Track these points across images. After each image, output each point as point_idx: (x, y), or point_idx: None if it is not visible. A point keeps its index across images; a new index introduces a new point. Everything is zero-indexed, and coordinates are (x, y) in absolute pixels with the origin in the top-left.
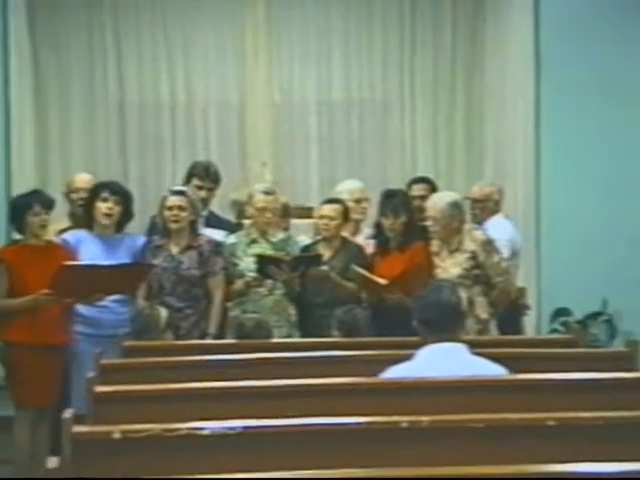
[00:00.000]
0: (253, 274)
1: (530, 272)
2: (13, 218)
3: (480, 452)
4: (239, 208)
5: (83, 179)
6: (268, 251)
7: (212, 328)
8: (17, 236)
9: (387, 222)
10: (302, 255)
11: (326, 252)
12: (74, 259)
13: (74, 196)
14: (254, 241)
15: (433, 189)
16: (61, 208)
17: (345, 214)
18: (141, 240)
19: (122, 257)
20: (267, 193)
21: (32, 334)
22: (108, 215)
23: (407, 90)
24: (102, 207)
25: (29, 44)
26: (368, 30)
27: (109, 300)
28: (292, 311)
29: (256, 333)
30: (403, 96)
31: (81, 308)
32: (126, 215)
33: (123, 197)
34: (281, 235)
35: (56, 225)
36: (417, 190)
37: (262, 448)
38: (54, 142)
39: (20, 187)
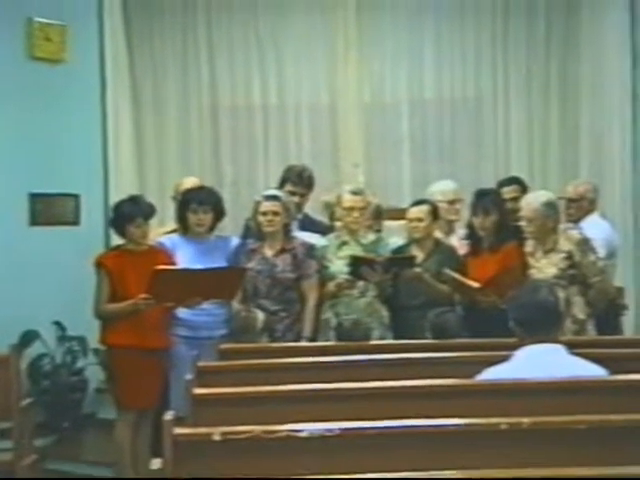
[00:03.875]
0: (345, 276)
1: (628, 271)
2: (115, 225)
3: (582, 454)
4: (330, 210)
5: (190, 183)
6: (359, 253)
7: (307, 331)
8: (117, 240)
9: (477, 221)
10: (395, 256)
11: (419, 254)
12: (174, 262)
13: None
14: (344, 243)
15: (524, 190)
16: (165, 211)
17: (434, 213)
18: (234, 242)
19: (216, 259)
20: (354, 193)
21: (134, 337)
22: (199, 225)
23: (500, 88)
24: (193, 219)
25: (126, 51)
26: (460, 27)
27: (207, 304)
28: (385, 313)
29: (354, 333)
30: (496, 94)
31: (178, 311)
32: (217, 217)
33: (211, 204)
34: (372, 237)
35: (163, 228)
36: (508, 192)
37: (360, 450)
38: (150, 146)
39: (118, 191)
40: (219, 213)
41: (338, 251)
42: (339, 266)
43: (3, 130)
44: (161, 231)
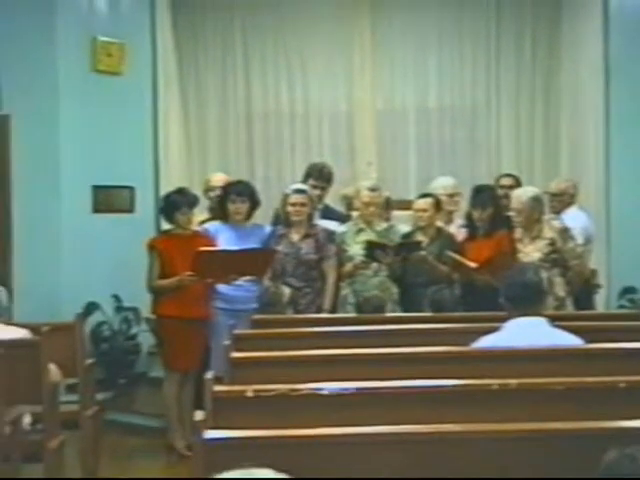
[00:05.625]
0: (361, 258)
1: (601, 255)
2: (164, 213)
3: (560, 411)
4: (348, 202)
5: (218, 179)
6: (374, 238)
7: (327, 304)
8: (166, 226)
9: (476, 213)
10: (404, 241)
11: (423, 239)
12: (213, 246)
13: (211, 194)
14: (361, 230)
15: (518, 183)
16: (201, 202)
17: (437, 205)
18: (267, 229)
19: (252, 243)
20: (372, 189)
21: (180, 309)
22: (237, 213)
23: (493, 98)
24: (232, 207)
25: (175, 65)
26: (459, 46)
27: (242, 280)
28: (394, 290)
29: (371, 307)
30: (489, 103)
31: (220, 287)
32: (253, 206)
33: (248, 196)
34: (384, 225)
35: (198, 217)
36: (505, 181)
37: (372, 406)
38: (194, 145)
39: (167, 184)
40: (255, 203)
41: (355, 237)
42: (356, 249)
43: (71, 132)
44: (196, 220)
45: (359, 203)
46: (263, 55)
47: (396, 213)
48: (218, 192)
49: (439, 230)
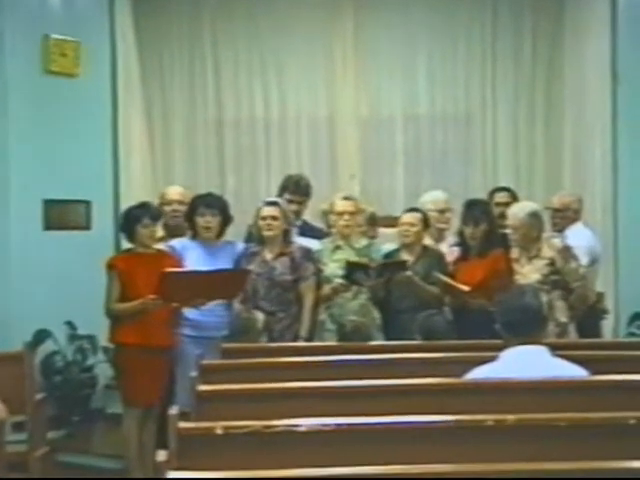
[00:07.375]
0: (340, 280)
1: (608, 278)
2: (124, 228)
3: (562, 449)
4: (327, 217)
5: (174, 191)
6: (352, 257)
7: (304, 331)
8: (127, 245)
9: (468, 230)
10: (389, 261)
11: (408, 258)
12: (180, 266)
13: (167, 208)
14: (338, 247)
15: (514, 198)
16: None
17: (424, 221)
18: (240, 247)
19: (223, 263)
20: (345, 198)
21: (141, 336)
22: (207, 228)
23: (489, 104)
24: (201, 221)
25: (137, 67)
26: (451, 47)
27: (212, 304)
28: (376, 315)
29: (354, 335)
30: (485, 110)
31: (187, 311)
32: (225, 222)
33: (219, 209)
34: (364, 242)
35: None
36: (500, 197)
37: (353, 444)
38: (158, 156)
39: (128, 200)
40: (226, 218)
41: (332, 255)
42: (333, 269)
43: (20, 140)
44: None
45: (333, 216)
46: (235, 56)
47: (382, 230)
48: (175, 207)
49: (425, 247)
